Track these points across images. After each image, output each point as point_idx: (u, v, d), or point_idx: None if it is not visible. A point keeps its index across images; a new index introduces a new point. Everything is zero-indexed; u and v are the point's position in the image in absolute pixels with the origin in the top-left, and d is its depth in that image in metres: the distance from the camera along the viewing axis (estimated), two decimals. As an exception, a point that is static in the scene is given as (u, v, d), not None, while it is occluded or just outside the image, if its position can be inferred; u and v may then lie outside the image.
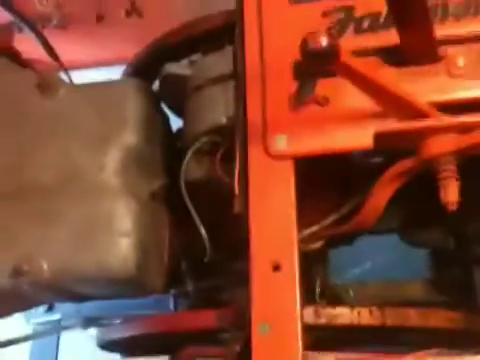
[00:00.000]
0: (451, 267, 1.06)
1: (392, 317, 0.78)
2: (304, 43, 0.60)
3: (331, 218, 0.88)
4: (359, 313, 0.77)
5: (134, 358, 1.13)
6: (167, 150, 1.04)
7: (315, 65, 0.62)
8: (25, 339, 1.33)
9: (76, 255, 0.87)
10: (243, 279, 0.82)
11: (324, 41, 0.59)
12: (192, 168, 0.93)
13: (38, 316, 1.57)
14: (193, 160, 0.92)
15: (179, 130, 1.08)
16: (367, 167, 0.87)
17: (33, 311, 1.45)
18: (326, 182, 0.90)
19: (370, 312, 0.77)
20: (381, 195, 0.78)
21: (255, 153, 0.77)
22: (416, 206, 0.95)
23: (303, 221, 0.78)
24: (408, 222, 0.98)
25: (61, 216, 0.90)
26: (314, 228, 0.86)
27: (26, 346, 1.64)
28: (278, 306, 0.72)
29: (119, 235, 0.88)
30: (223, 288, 1.01)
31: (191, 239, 0.98)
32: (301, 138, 0.76)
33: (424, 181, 0.76)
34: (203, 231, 0.90)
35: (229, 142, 0.84)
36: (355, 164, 0.88)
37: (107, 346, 1.05)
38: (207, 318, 0.84)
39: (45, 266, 0.87)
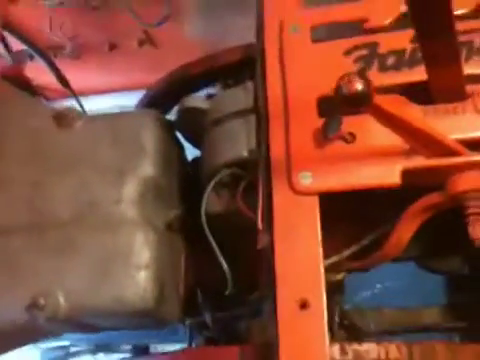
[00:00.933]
0: (466, 292, 1.06)
1: (419, 352, 0.76)
2: (338, 87, 0.59)
3: (351, 249, 0.87)
4: (386, 349, 0.76)
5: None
6: (183, 180, 1.04)
7: (349, 107, 0.61)
8: (33, 366, 1.32)
9: (93, 289, 0.86)
10: (260, 311, 0.81)
11: (359, 86, 0.59)
12: (212, 200, 0.92)
13: (47, 342, 1.54)
14: (212, 192, 0.92)
15: (194, 159, 1.08)
16: (387, 199, 0.86)
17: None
18: (345, 214, 0.89)
19: (397, 348, 0.76)
20: (406, 228, 0.77)
21: (280, 189, 0.77)
22: (435, 234, 0.95)
23: (324, 253, 0.78)
24: (426, 250, 0.98)
25: (78, 249, 0.89)
26: (334, 259, 0.86)
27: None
28: (306, 345, 0.71)
29: (137, 268, 0.87)
30: (240, 319, 1.00)
31: (207, 269, 0.97)
32: (327, 175, 0.76)
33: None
34: (225, 264, 0.89)
35: (251, 175, 0.83)
36: (375, 196, 0.87)
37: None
38: (230, 355, 0.82)
39: (62, 300, 0.86)
